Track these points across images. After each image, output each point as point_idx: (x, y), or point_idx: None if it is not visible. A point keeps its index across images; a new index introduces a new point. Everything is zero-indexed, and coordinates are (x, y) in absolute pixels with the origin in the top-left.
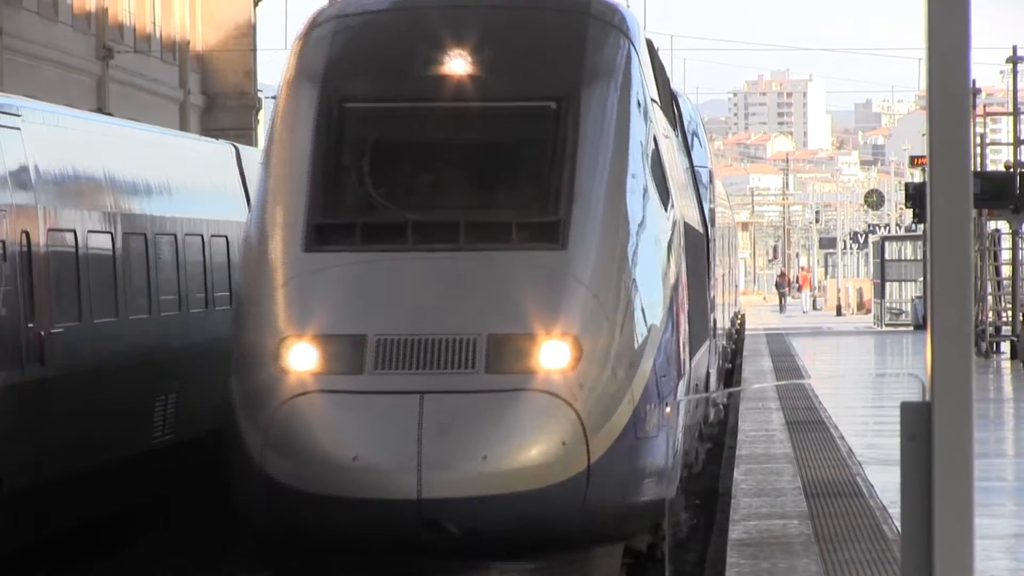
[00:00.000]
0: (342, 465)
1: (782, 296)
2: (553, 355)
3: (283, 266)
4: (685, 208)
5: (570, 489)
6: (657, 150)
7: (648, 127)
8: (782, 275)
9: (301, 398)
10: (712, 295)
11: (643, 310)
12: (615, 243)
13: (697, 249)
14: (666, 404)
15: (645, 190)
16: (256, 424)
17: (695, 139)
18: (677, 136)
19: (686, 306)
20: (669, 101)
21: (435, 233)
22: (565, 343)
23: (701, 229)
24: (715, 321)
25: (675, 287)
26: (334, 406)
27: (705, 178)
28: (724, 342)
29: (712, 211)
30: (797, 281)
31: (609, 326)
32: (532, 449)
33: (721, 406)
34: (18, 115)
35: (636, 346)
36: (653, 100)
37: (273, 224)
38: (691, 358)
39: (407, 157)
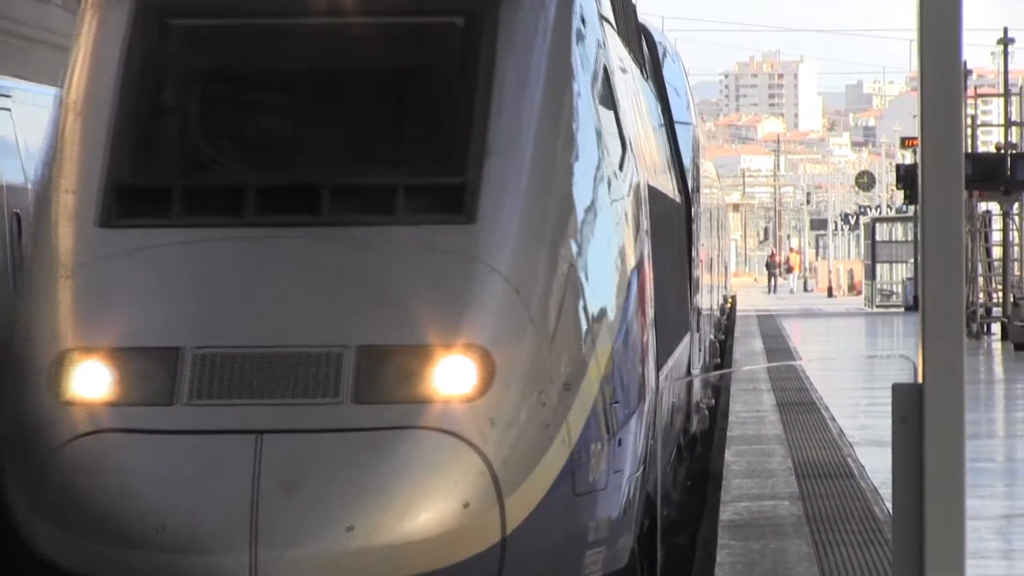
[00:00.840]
0: (143, 539)
1: (772, 277)
2: (452, 376)
3: (68, 248)
4: (654, 171)
5: (477, 572)
6: (609, 88)
7: (596, 55)
8: (772, 256)
9: (84, 440)
10: (696, 278)
11: (585, 308)
12: (545, 214)
13: (673, 223)
14: (620, 440)
15: (590, 141)
16: (20, 478)
17: (674, 90)
18: (647, 80)
19: (652, 298)
20: (635, 33)
21: (287, 201)
22: (470, 359)
23: (679, 199)
24: (699, 310)
25: (634, 274)
26: (133, 452)
27: (687, 138)
28: (712, 334)
29: (696, 178)
30: (787, 262)
31: (535, 333)
32: (420, 514)
33: (707, 411)
34: (8, 96)
35: (575, 360)
36: (605, 20)
37: (59, 187)
38: (663, 366)
39: (250, 94)
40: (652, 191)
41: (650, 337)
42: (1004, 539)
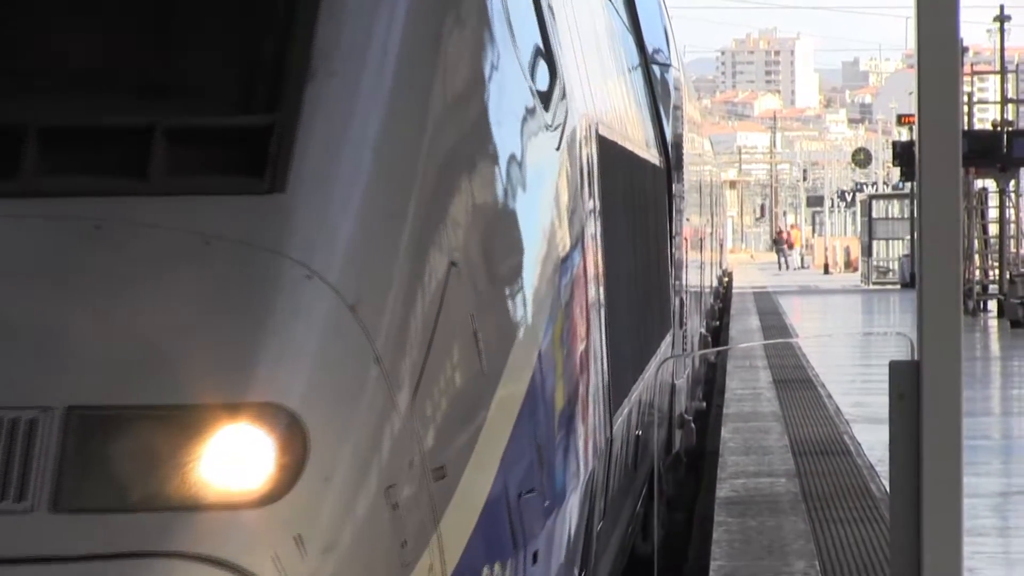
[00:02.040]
0: None
1: (780, 254)
2: (231, 461)
3: None
4: (615, 117)
5: None
6: None
7: None
8: (779, 233)
9: None
10: (680, 261)
11: (476, 334)
12: (404, 178)
13: (645, 192)
14: (535, 554)
15: (488, 60)
16: None
17: (651, 25)
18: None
19: (603, 302)
20: None
21: None
22: (263, 430)
23: (658, 160)
24: (683, 301)
25: (566, 272)
26: None
27: (667, 82)
28: (703, 325)
29: (679, 135)
30: (788, 238)
31: (382, 381)
32: None
33: (693, 425)
34: None
35: (455, 427)
36: None
37: None
38: (620, 406)
39: None
40: (609, 146)
41: (598, 367)
42: (1001, 516)
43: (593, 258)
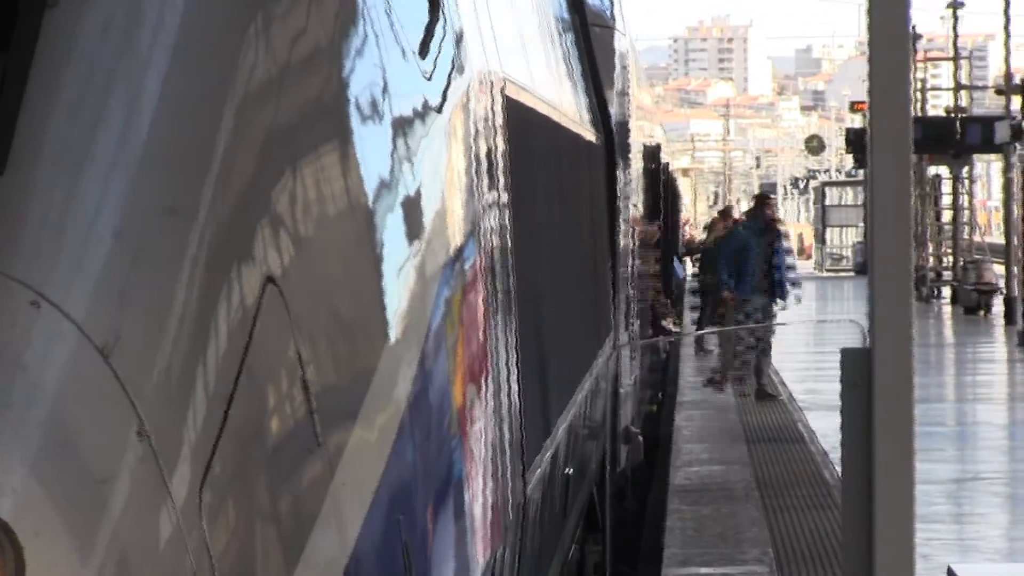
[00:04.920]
0: None
1: None
2: None
3: None
4: (533, 79)
5: None
6: None
7: None
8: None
9: None
10: (625, 251)
11: (307, 390)
12: (191, 157)
13: (578, 173)
14: None
15: None
16: None
17: None
18: None
19: (513, 319)
20: None
21: None
22: None
23: (595, 136)
24: (628, 299)
25: (454, 281)
26: None
27: (612, 49)
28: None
29: (624, 109)
30: None
31: (148, 466)
32: None
33: (640, 440)
34: None
35: (267, 530)
36: None
37: None
38: (535, 459)
39: None
40: (526, 112)
41: (504, 410)
42: (955, 503)
43: (495, 256)
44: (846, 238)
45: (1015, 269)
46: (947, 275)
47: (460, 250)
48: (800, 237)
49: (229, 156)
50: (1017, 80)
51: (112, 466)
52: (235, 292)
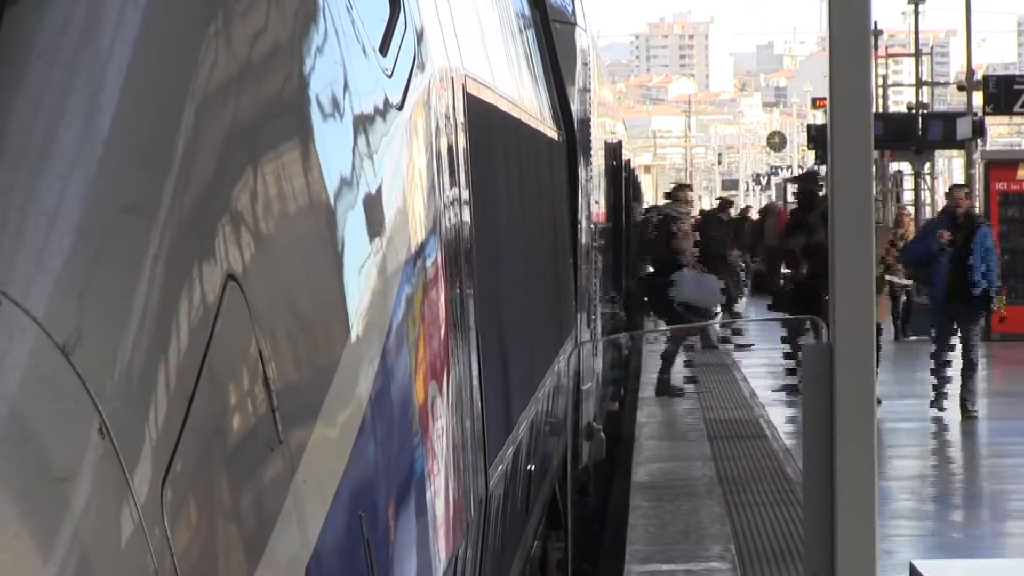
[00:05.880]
0: None
1: None
2: None
3: None
4: (494, 76)
5: None
6: None
7: None
8: None
9: None
10: (587, 247)
11: (269, 388)
12: (152, 151)
13: (539, 170)
14: None
15: None
16: None
17: None
18: None
19: (473, 323)
20: None
21: None
22: None
23: (556, 133)
24: (591, 296)
25: (415, 276)
26: None
27: (573, 46)
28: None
29: (586, 106)
30: None
31: (110, 464)
32: None
33: (603, 436)
34: None
35: (229, 528)
36: None
37: None
38: (505, 442)
39: None
40: (487, 109)
41: (466, 405)
42: (917, 498)
43: (456, 253)
44: None
45: None
46: None
47: (421, 247)
48: None
49: (190, 153)
50: (978, 76)
51: (73, 464)
52: (196, 290)
